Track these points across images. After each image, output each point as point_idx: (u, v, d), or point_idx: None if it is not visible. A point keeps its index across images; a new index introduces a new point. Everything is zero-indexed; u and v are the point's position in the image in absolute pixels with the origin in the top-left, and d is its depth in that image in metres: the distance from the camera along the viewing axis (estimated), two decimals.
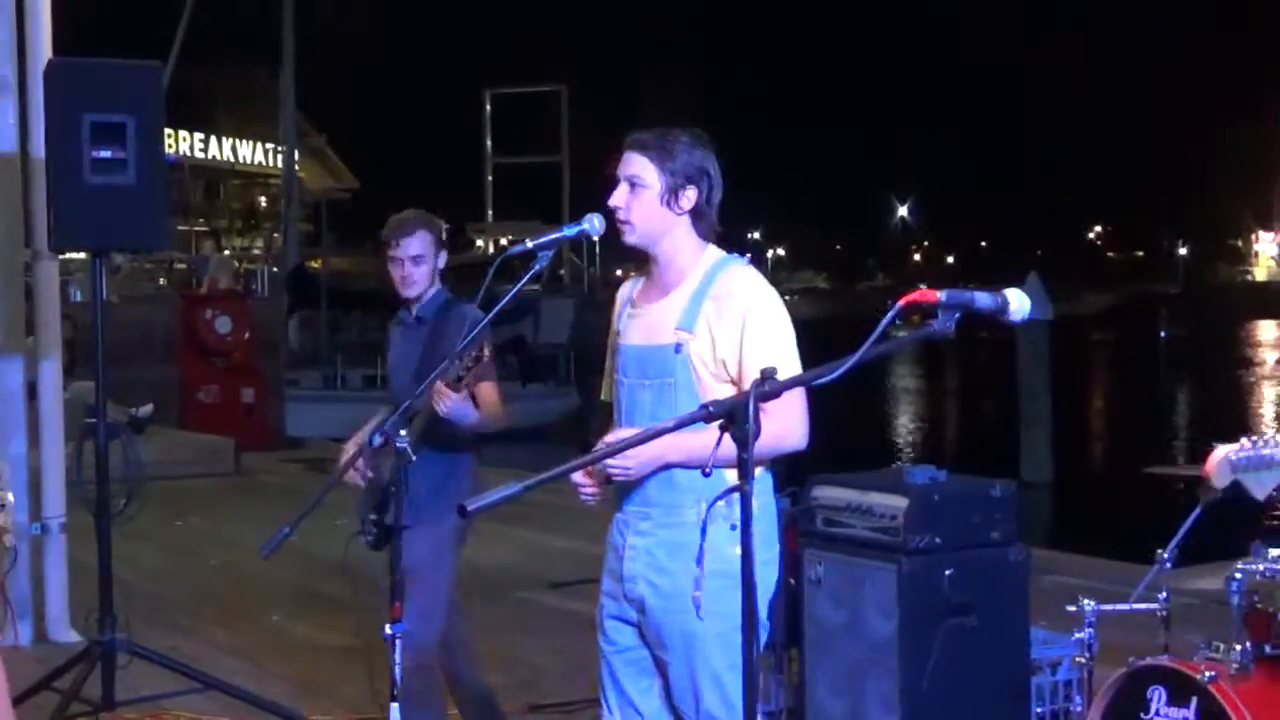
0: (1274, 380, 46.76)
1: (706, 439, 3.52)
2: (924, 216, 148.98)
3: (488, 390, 5.51)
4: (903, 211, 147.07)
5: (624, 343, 4.40)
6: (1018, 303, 3.02)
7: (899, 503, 5.69)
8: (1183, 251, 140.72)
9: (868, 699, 5.67)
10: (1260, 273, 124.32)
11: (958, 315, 2.94)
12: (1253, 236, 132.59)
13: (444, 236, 5.92)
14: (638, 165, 4.29)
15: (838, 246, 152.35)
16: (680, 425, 3.22)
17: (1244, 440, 4.12)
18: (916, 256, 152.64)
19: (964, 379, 46.24)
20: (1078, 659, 5.74)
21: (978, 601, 5.66)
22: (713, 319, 4.20)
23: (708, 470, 3.64)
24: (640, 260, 4.41)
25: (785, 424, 4.13)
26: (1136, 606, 5.87)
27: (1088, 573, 9.70)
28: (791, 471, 5.42)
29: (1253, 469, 4.11)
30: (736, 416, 2.98)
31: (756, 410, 3.01)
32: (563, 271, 42.74)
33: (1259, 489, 4.12)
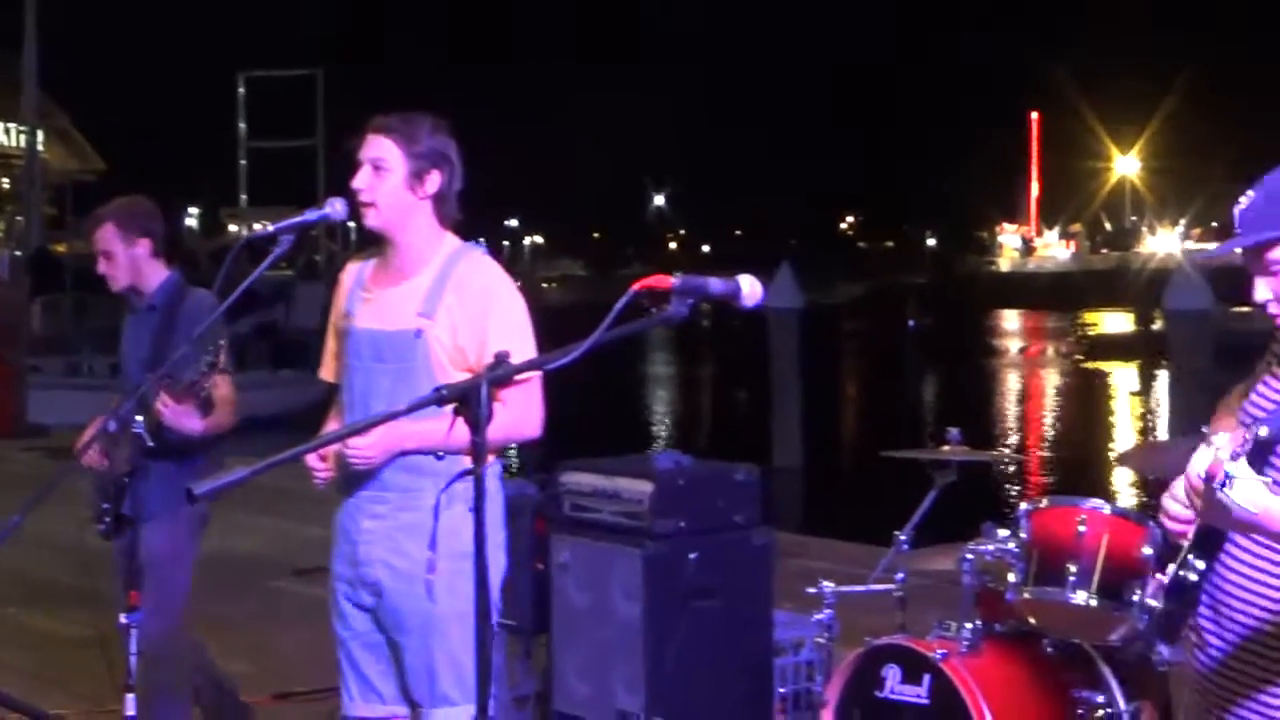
0: (1015, 368, 48.29)
1: (443, 424, 3.48)
2: (680, 206, 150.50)
3: (221, 383, 5.18)
4: (659, 200, 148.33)
5: (356, 326, 4.36)
6: (749, 288, 3.07)
7: (645, 488, 5.73)
8: (931, 242, 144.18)
9: (614, 681, 5.71)
10: (1004, 263, 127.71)
11: (691, 300, 2.98)
12: (997, 228, 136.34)
13: (142, 219, 5.59)
14: (381, 148, 4.28)
15: (595, 235, 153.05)
16: (413, 409, 3.20)
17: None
18: (673, 245, 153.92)
19: (719, 367, 46.80)
20: (818, 640, 5.87)
21: (722, 584, 5.74)
22: (454, 306, 4.22)
23: (440, 454, 3.61)
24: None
25: (520, 413, 4.18)
26: (874, 588, 6.04)
27: (832, 556, 9.92)
28: (543, 458, 5.43)
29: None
30: (469, 400, 2.97)
31: (489, 394, 3.01)
32: (318, 256, 42.17)
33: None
